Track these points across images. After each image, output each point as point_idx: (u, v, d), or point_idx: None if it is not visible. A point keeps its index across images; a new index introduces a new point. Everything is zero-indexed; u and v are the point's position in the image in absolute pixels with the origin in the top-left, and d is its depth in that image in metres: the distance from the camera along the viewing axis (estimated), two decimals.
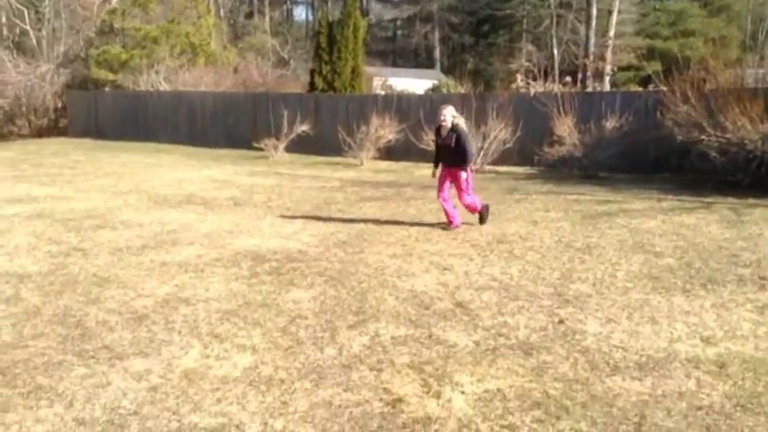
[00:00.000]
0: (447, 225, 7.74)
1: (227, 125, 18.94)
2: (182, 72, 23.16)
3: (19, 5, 25.54)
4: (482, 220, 7.87)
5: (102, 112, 22.27)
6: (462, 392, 3.50)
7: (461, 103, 14.68)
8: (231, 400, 3.42)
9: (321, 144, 16.48)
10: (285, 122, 16.16)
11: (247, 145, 17.29)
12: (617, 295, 5.16)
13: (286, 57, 38.60)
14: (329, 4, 48.89)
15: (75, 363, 3.86)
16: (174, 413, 3.27)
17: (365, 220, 8.20)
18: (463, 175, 7.52)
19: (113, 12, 24.65)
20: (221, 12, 41.21)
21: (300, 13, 67.99)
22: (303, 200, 9.83)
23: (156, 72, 22.80)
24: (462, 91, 18.94)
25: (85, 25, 25.50)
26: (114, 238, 7.15)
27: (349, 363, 3.89)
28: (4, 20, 26.65)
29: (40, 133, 23.87)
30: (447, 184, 7.67)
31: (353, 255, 6.44)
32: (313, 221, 8.14)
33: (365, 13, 43.98)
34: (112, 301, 5.01)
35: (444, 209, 7.74)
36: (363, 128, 15.01)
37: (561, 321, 4.57)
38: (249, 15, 49.09)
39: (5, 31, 26.79)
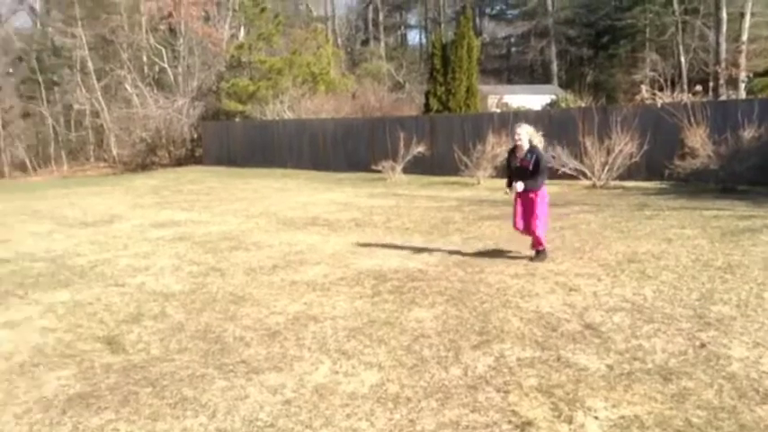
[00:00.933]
0: (536, 255, 6.90)
1: (347, 149, 19.57)
2: (304, 100, 24.27)
3: (158, 45, 27.92)
4: (537, 257, 6.88)
5: (234, 141, 23.76)
6: (596, 418, 3.37)
7: (582, 118, 14.23)
8: (360, 416, 3.50)
9: (437, 164, 16.59)
10: (401, 144, 16.44)
11: (366, 168, 17.74)
12: (765, 318, 4.75)
13: (401, 80, 39.33)
14: (442, 26, 49.34)
15: (216, 376, 4.11)
16: (307, 427, 3.40)
17: (484, 239, 8.13)
18: (539, 198, 6.78)
19: (241, 46, 26.34)
20: (339, 41, 42.85)
21: (414, 37, 69.18)
22: (421, 220, 9.92)
23: (281, 101, 24.04)
24: (582, 104, 18.36)
25: (216, 60, 27.43)
26: (248, 258, 7.57)
27: (474, 383, 3.86)
28: (145, 59, 29.23)
29: (178, 162, 25.84)
30: (520, 208, 6.96)
31: (474, 274, 6.40)
32: (432, 241, 8.18)
33: (478, 33, 43.96)
34: (248, 318, 5.30)
35: (525, 233, 7.01)
36: (479, 147, 14.95)
37: (703, 345, 4.27)
38: (365, 42, 50.63)
39: (146, 70, 29.36)
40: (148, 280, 6.72)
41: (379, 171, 16.56)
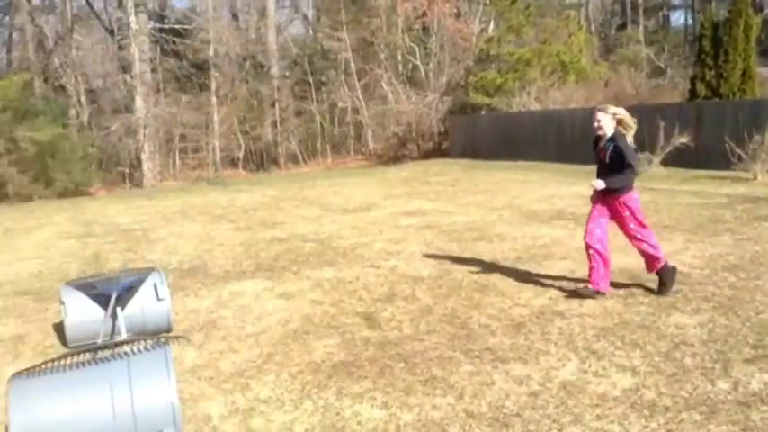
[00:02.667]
0: (660, 284, 5.44)
1: None
2: (552, 91, 23.65)
3: (411, 44, 29.37)
4: (664, 285, 5.38)
5: (479, 133, 24.10)
6: None
7: None
8: (612, 418, 3.33)
9: (702, 156, 14.93)
10: (661, 135, 15.12)
11: None
12: None
13: (662, 65, 36.16)
14: (713, 4, 44.19)
15: (463, 360, 4.24)
16: (554, 421, 3.34)
17: (761, 242, 7.14)
18: (629, 201, 5.35)
19: (490, 40, 26.54)
20: (592, 27, 40.83)
21: (678, 18, 63.02)
22: (683, 217, 9.04)
23: (528, 93, 23.73)
24: None
25: (465, 55, 28.00)
26: (491, 249, 7.64)
27: (747, 400, 3.43)
28: (399, 57, 30.97)
29: (426, 155, 27.00)
30: (600, 217, 5.53)
31: (747, 281, 5.66)
32: (696, 241, 7.42)
33: (758, 9, 38.46)
34: (492, 307, 5.37)
35: (595, 254, 5.45)
36: (757, 137, 13.11)
37: None
38: (621, 27, 47.45)
39: (400, 68, 31.10)
40: (400, 264, 7.15)
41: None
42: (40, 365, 3.23)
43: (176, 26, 29.15)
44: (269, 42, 32.13)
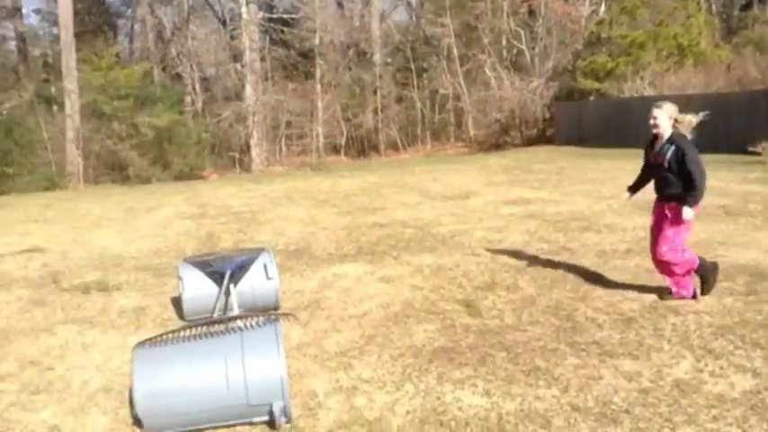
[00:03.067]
0: (669, 292, 5.05)
1: (717, 128, 17.43)
2: (668, 76, 22.35)
3: (517, 28, 28.66)
4: (706, 282, 5.02)
5: (586, 120, 23.22)
6: None
7: None
8: (730, 420, 3.14)
9: None
10: None
11: (739, 149, 15.55)
12: None
13: None
14: None
15: (568, 352, 4.13)
16: (666, 420, 3.19)
17: None
18: (685, 214, 4.73)
19: (601, 22, 25.42)
20: (713, 8, 38.11)
21: None
22: None
23: (641, 78, 22.57)
24: None
25: (573, 39, 27.01)
26: (599, 240, 7.37)
27: None
28: (504, 42, 30.32)
29: (529, 142, 26.37)
30: (656, 229, 5.07)
31: None
32: None
33: None
34: (599, 300, 5.18)
35: (671, 265, 4.94)
36: None
37: None
38: (746, 7, 43.99)
39: (504, 53, 30.46)
40: (501, 252, 7.04)
41: (757, 153, 14.38)
42: (160, 336, 3.46)
43: (284, 15, 30.02)
44: (372, 30, 32.43)
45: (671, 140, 4.89)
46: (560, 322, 4.71)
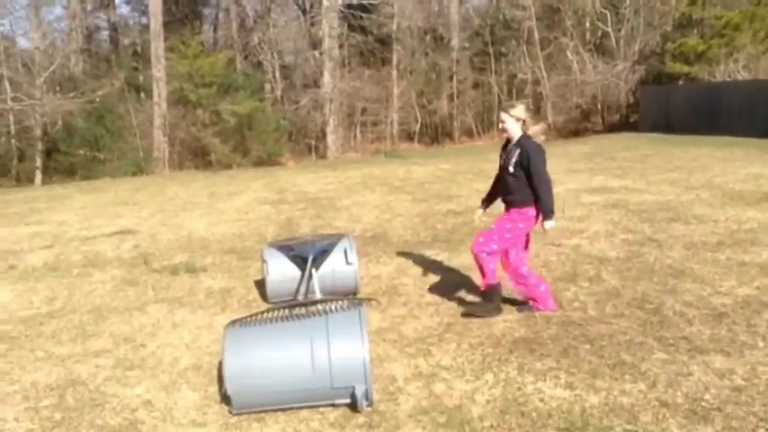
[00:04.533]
0: (483, 297, 4.84)
1: None
2: (764, 58, 21.03)
3: (602, 9, 27.62)
4: (481, 305, 4.80)
5: (674, 105, 22.20)
6: None
7: None
8: None
9: None
10: None
11: None
12: None
13: None
14: None
15: (656, 347, 3.99)
16: (761, 420, 3.05)
17: None
18: (547, 226, 4.53)
19: (693, 2, 24.15)
20: None
21: None
22: None
23: (735, 61, 21.34)
24: None
25: (663, 20, 25.81)
26: (688, 232, 7.05)
27: None
28: (588, 24, 29.32)
29: (611, 129, 25.49)
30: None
31: None
32: None
33: None
34: (689, 294, 4.97)
35: (522, 282, 4.74)
36: None
37: None
38: None
39: (588, 36, 29.44)
40: (583, 243, 6.87)
41: None
42: (249, 317, 3.59)
43: (363, 1, 30.11)
44: (451, 14, 32.10)
45: (518, 143, 4.65)
46: (647, 316, 4.55)
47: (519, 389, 3.58)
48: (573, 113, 27.68)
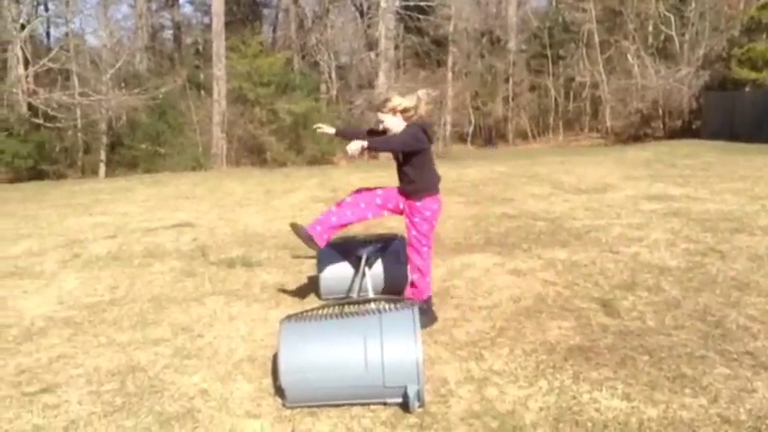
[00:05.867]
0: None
1: None
2: None
3: (666, 12, 26.87)
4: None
5: (739, 112, 21.40)
6: None
7: None
8: None
9: None
10: None
11: None
12: None
13: None
14: None
15: (718, 361, 3.86)
16: None
17: None
18: (352, 146, 4.13)
19: (764, 6, 23.22)
20: None
21: None
22: None
23: None
24: None
25: (730, 24, 24.92)
26: (753, 243, 6.79)
27: None
28: (650, 28, 28.55)
29: (672, 135, 24.76)
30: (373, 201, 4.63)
31: None
32: None
33: None
34: (753, 307, 4.79)
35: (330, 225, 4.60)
36: None
37: None
38: None
39: (650, 39, 28.66)
40: (642, 251, 6.69)
41: None
42: (304, 312, 3.64)
43: (421, 3, 30.12)
44: (509, 16, 31.80)
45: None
46: (709, 328, 4.40)
47: (574, 397, 3.52)
48: (632, 118, 26.99)
